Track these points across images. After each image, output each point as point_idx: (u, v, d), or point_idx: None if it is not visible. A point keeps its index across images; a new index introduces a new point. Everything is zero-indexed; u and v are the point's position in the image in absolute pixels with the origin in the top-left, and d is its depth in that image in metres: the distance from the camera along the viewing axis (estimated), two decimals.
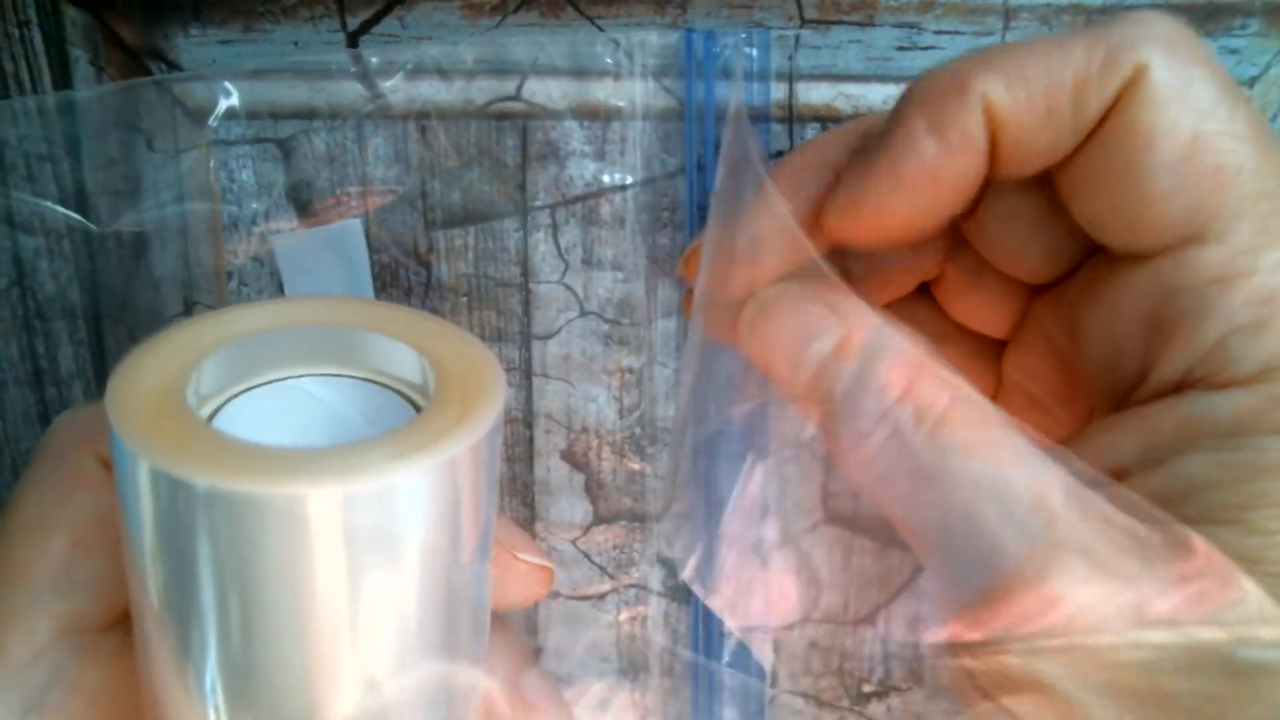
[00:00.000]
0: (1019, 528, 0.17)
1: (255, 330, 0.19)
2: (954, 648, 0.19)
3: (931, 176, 0.20)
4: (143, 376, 0.18)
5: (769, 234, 0.22)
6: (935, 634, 0.19)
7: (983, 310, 0.24)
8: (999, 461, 0.18)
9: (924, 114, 0.19)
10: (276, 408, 0.20)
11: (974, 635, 0.18)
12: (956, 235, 0.24)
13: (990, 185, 0.22)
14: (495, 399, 0.18)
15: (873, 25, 0.28)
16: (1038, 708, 0.18)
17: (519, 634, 0.23)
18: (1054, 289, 0.23)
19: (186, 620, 0.17)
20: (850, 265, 0.24)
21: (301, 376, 0.20)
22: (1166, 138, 0.18)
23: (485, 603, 0.20)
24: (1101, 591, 0.17)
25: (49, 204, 0.30)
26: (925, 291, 0.26)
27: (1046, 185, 0.21)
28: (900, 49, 0.28)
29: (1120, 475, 0.19)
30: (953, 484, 0.18)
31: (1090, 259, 0.22)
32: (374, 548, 0.16)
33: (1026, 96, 0.19)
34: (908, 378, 0.19)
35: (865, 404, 0.19)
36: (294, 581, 0.16)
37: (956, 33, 0.28)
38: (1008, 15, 0.27)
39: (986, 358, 0.25)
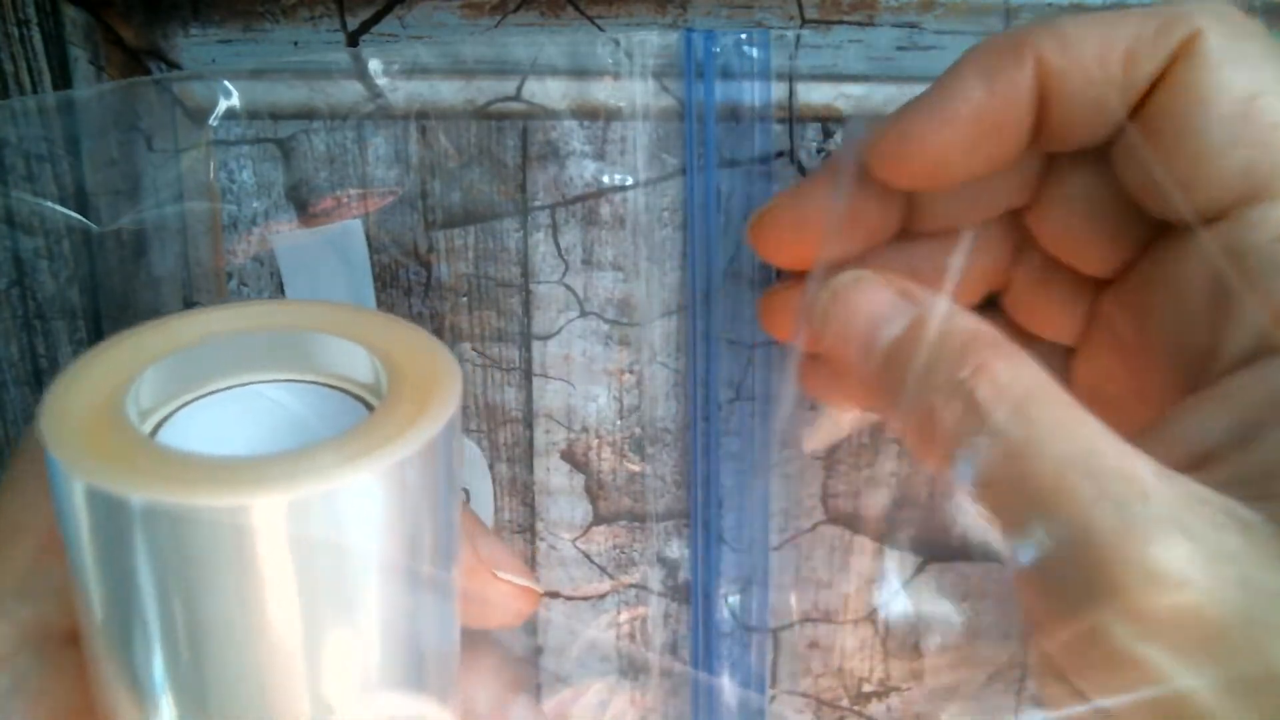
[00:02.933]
0: (1114, 504, 0.16)
1: (202, 337, 0.19)
2: (1041, 637, 0.18)
3: (974, 118, 0.20)
4: (80, 389, 0.17)
5: (836, 226, 0.23)
6: (1024, 623, 0.18)
7: (1051, 314, 0.24)
8: (1086, 438, 0.17)
9: (976, 64, 0.20)
10: (226, 415, 0.19)
11: (1067, 620, 0.17)
12: (1022, 236, 0.24)
13: (1050, 170, 0.22)
14: (449, 397, 0.17)
15: (873, 25, 0.28)
16: (1138, 702, 0.17)
17: (508, 653, 0.22)
18: (1119, 282, 0.23)
19: (132, 641, 0.16)
20: (917, 265, 0.25)
21: (252, 383, 0.20)
22: (1222, 95, 0.19)
23: (451, 617, 0.19)
24: (1203, 567, 0.16)
25: (49, 204, 0.30)
26: (991, 305, 0.26)
27: (1105, 167, 0.21)
28: (900, 49, 0.28)
29: (1209, 459, 0.18)
30: (1039, 461, 0.17)
31: (1153, 244, 0.22)
32: (324, 558, 0.15)
33: (1078, 55, 0.19)
34: (984, 357, 0.18)
35: (939, 383, 0.19)
36: (242, 597, 0.15)
37: (957, 33, 0.28)
38: (1008, 15, 0.27)
39: (1056, 368, 0.25)
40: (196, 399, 0.19)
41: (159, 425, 0.18)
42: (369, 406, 0.19)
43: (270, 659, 0.16)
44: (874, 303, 0.21)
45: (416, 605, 0.17)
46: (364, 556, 0.16)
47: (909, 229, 0.25)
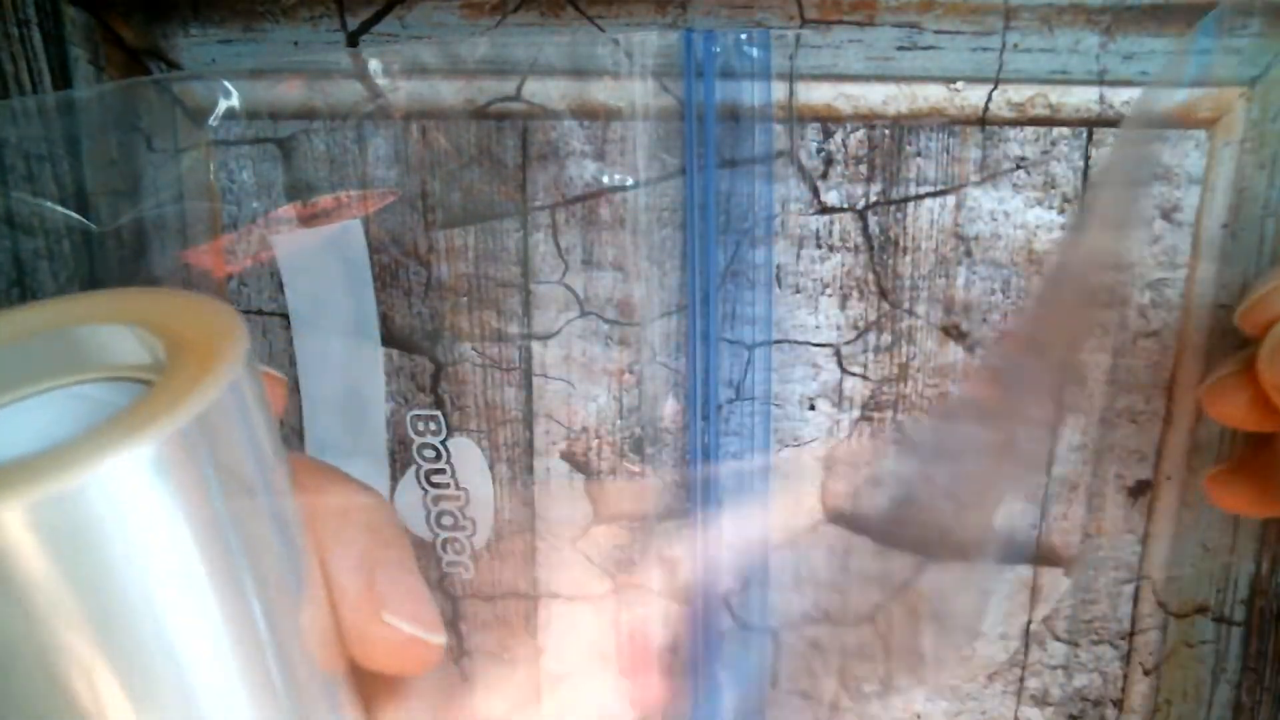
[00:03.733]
0: None
1: None
2: None
3: None
4: None
5: None
6: None
7: None
8: None
9: None
10: (31, 426, 0.16)
11: None
12: None
13: None
14: (228, 363, 0.14)
15: (873, 25, 0.28)
16: None
17: (384, 512, 0.19)
18: None
19: None
20: None
21: (57, 386, 0.17)
22: None
23: (297, 646, 0.16)
24: None
25: (49, 204, 0.30)
26: None
27: None
28: (900, 49, 0.28)
29: None
30: None
31: None
32: (102, 576, 0.13)
33: None
34: None
35: None
36: (18, 638, 0.12)
37: (957, 33, 0.28)
38: (1008, 15, 0.27)
39: None
40: None
41: None
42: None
43: (75, 702, 0.13)
44: None
45: (249, 626, 0.14)
46: (155, 566, 0.13)
47: None
